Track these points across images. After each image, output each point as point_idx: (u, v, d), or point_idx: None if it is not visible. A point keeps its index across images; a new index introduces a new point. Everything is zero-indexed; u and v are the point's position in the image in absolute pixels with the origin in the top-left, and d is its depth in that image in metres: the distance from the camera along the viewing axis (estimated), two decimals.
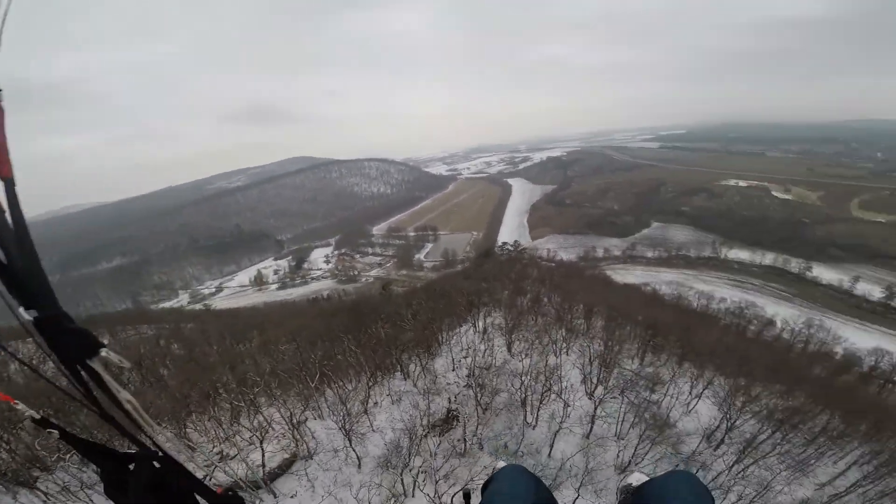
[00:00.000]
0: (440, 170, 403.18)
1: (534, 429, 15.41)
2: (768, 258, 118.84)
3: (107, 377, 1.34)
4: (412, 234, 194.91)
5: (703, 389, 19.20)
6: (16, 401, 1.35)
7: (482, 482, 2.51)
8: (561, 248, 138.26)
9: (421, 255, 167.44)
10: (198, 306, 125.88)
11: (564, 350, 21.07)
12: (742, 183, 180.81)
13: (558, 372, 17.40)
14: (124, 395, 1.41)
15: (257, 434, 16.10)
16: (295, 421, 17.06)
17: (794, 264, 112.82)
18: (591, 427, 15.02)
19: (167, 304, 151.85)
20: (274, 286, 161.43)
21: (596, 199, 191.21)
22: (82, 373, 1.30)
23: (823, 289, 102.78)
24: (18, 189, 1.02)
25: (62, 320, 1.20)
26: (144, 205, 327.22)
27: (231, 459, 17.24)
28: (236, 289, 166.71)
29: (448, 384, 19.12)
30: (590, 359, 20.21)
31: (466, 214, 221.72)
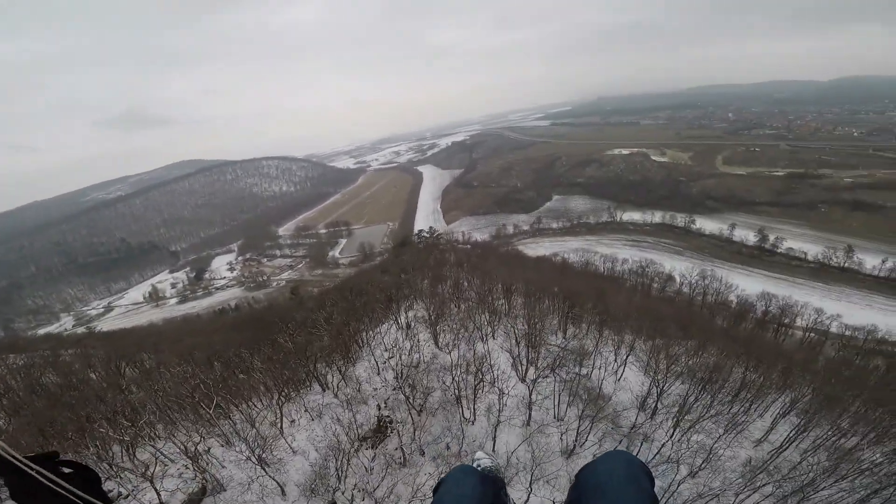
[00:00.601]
0: (347, 163, 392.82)
1: (473, 424, 14.54)
2: (657, 216, 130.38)
3: None
4: (323, 231, 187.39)
5: (627, 356, 19.63)
6: None
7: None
8: (474, 229, 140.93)
9: (336, 252, 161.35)
10: (82, 329, 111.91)
11: (490, 334, 20.50)
12: (625, 151, 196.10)
13: (488, 360, 16.68)
14: None
15: (147, 471, 13.51)
16: (193, 451, 14.59)
17: (680, 219, 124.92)
18: (530, 414, 14.46)
19: (46, 330, 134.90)
20: (173, 300, 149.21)
21: (500, 179, 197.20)
22: None
23: (707, 238, 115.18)
24: None
25: None
26: (6, 223, 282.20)
27: (123, 499, 14.49)
28: (130, 307, 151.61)
29: (375, 390, 17.61)
30: (516, 340, 19.83)
31: (380, 205, 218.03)
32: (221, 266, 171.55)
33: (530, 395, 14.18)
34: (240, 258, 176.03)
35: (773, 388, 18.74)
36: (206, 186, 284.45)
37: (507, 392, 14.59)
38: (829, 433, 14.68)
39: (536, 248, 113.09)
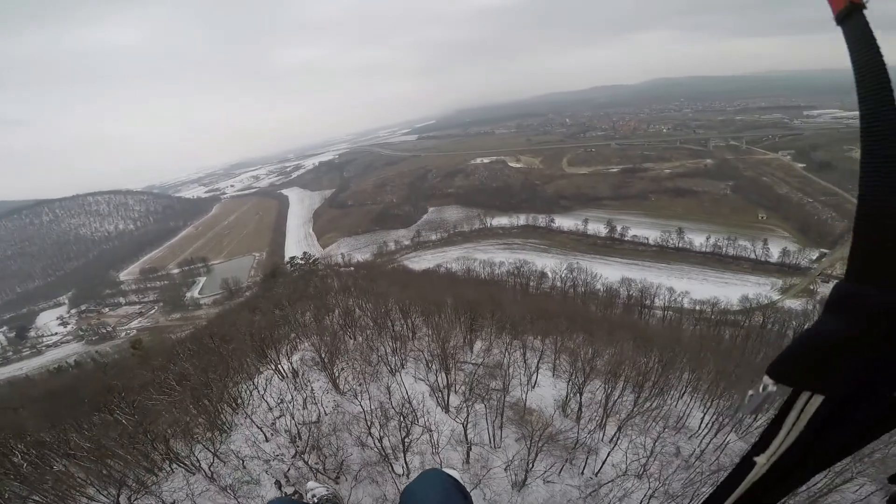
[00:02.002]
0: (197, 192, 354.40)
1: (408, 477, 11.80)
2: (522, 219, 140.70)
3: None
4: (176, 271, 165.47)
5: (538, 361, 18.56)
6: None
7: None
8: (355, 250, 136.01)
9: (194, 293, 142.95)
10: None
11: (399, 365, 17.88)
12: (486, 160, 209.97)
13: (404, 395, 14.08)
14: None
15: None
16: None
17: (541, 220, 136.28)
18: (469, 450, 12.21)
19: None
20: None
21: (375, 196, 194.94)
22: None
23: (567, 235, 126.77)
24: None
25: None
26: None
27: None
28: None
29: (266, 463, 13.72)
30: (427, 365, 17.50)
31: (242, 236, 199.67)
32: (50, 321, 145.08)
33: (465, 428, 11.91)
34: (73, 311, 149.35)
35: (668, 371, 19.23)
36: (16, 232, 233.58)
37: (435, 429, 12.15)
38: (732, 410, 15.04)
39: (420, 262, 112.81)
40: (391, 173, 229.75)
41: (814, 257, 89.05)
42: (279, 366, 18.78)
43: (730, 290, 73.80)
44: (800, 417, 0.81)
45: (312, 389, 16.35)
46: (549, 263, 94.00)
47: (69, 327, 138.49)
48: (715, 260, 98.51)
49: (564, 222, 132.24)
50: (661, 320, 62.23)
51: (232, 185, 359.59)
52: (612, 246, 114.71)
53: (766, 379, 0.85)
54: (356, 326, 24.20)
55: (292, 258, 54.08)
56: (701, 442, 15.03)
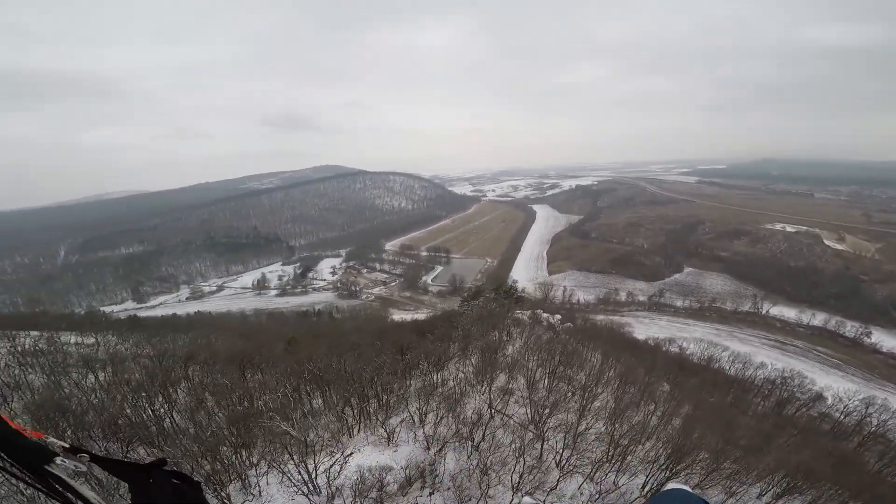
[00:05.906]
0: (465, 189, 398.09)
1: None
2: (818, 318, 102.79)
3: (68, 480, 1.55)
4: (424, 254, 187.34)
5: None
6: (45, 434, 1.63)
7: None
8: (579, 287, 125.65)
9: (428, 278, 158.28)
10: (189, 309, 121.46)
11: None
12: (789, 228, 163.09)
13: None
14: (89, 494, 1.62)
15: None
16: None
17: (850, 326, 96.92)
18: None
19: (165, 298, 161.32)
20: (273, 292, 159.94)
21: (624, 235, 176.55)
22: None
23: (884, 357, 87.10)
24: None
25: (14, 437, 1.46)
26: (178, 197, 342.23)
27: None
28: (237, 290, 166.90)
29: None
30: None
31: (485, 238, 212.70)
32: (326, 268, 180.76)
33: None
34: (343, 264, 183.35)
35: None
36: (338, 192, 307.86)
37: None
38: None
39: (649, 327, 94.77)
40: (651, 214, 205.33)
41: None
42: (312, 474, 12.52)
43: None
44: None
45: None
46: (835, 386, 64.69)
47: (335, 277, 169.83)
48: None
49: (887, 341, 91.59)
50: None
51: (493, 190, 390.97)
52: None
53: None
54: (495, 434, 16.47)
55: (499, 286, 49.86)
56: None
